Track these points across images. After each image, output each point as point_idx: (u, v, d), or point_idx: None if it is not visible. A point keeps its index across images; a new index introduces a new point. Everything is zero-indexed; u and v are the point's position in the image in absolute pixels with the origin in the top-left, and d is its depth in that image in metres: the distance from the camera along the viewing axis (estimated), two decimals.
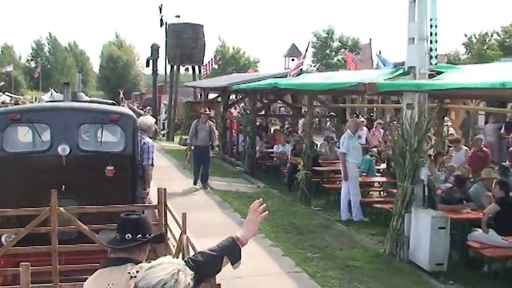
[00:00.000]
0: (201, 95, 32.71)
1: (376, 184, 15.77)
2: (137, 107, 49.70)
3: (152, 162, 9.44)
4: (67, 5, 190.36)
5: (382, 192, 15.82)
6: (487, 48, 47.67)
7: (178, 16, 35.84)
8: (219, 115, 24.43)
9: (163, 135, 34.86)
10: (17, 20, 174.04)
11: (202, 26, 32.43)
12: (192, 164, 17.63)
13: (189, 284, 2.68)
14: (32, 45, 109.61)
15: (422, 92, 9.78)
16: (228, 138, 24.46)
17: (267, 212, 3.79)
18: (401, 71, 10.39)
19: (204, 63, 32.79)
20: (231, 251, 3.51)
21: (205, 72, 32.42)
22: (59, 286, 6.66)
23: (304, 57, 19.63)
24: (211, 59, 32.69)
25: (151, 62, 35.42)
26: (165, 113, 39.13)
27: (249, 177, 19.42)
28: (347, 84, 11.00)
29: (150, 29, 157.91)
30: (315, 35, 63.81)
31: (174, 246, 7.07)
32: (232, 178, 19.23)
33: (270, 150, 21.42)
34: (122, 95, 58.26)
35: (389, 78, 10.10)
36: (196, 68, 33.87)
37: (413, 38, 10.15)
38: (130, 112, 9.06)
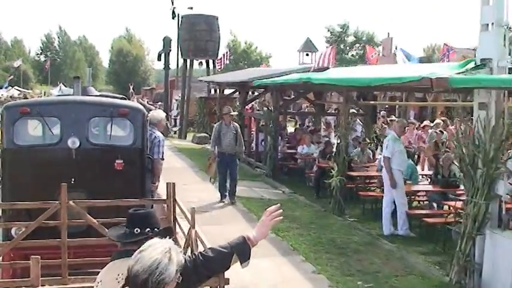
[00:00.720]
0: (215, 91, 31.01)
1: (420, 193, 13.85)
2: (147, 102, 48.27)
3: (163, 156, 9.26)
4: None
5: (423, 202, 14.02)
6: None
7: (191, 8, 34.04)
8: (237, 112, 22.62)
9: (175, 132, 33.09)
10: (27, 14, 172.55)
11: (217, 18, 30.59)
12: (217, 175, 14.45)
13: (181, 261, 2.78)
14: (42, 38, 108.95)
15: (501, 89, 7.95)
16: (246, 137, 22.64)
17: (281, 217, 3.69)
18: (472, 63, 8.50)
19: (219, 57, 30.90)
20: (241, 250, 3.49)
21: (219, 67, 30.57)
22: (68, 279, 6.57)
23: (334, 52, 17.85)
24: (226, 53, 30.83)
25: (163, 55, 33.75)
26: (177, 109, 37.41)
27: (271, 180, 17.63)
28: (406, 79, 9.13)
29: (161, 23, 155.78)
30: (328, 30, 62.01)
31: (182, 240, 6.84)
32: (253, 182, 17.42)
33: (292, 151, 19.64)
34: (131, 90, 56.94)
35: (461, 73, 8.23)
36: (210, 62, 32.01)
37: (488, 24, 8.28)
38: (140, 106, 8.94)
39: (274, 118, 18.32)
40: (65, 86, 54.87)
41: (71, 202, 6.73)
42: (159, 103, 38.95)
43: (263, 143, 20.77)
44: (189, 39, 29.93)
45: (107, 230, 4.99)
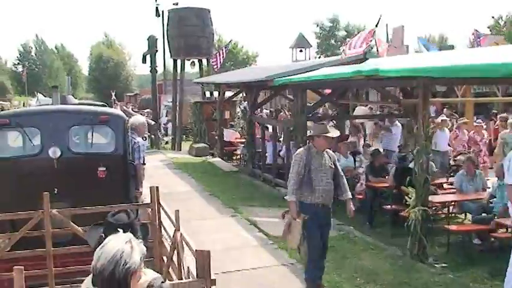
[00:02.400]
0: (211, 94, 26.70)
1: None
2: (132, 109, 43.81)
3: (144, 161, 9.09)
4: (53, 7, 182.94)
5: None
6: None
7: (177, 4, 29.68)
8: (245, 118, 18.46)
9: (166, 142, 28.72)
10: (1, 24, 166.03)
11: (209, 11, 26.29)
12: (305, 246, 7.87)
13: (144, 249, 2.73)
14: (19, 48, 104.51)
15: None
16: (257, 147, 18.50)
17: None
18: None
19: (213, 55, 26.56)
20: None
21: (215, 66, 26.25)
22: None
23: (373, 35, 13.73)
24: (222, 50, 26.50)
25: (148, 57, 29.35)
26: (166, 116, 33.00)
27: None
28: None
29: (142, 25, 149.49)
30: (318, 25, 57.90)
31: (168, 243, 6.57)
32: (281, 208, 13.14)
33: None
34: (114, 97, 52.38)
35: None
36: (204, 61, 27.66)
37: None
38: (120, 112, 9.11)
39: (301, 124, 14.15)
40: (44, 96, 51.58)
41: (54, 211, 6.62)
42: (147, 110, 34.60)
43: (280, 153, 16.67)
44: (178, 36, 25.60)
45: None
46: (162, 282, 3.24)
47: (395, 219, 11.41)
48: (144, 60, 30.50)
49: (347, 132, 20.54)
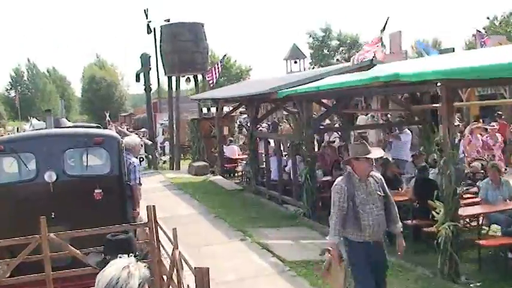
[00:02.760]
0: (208, 109, 25.86)
1: None
2: (127, 129, 42.96)
3: (140, 182, 8.95)
4: (44, 30, 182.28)
5: None
6: None
7: (168, 20, 28.81)
8: (242, 132, 17.62)
9: (164, 162, 27.80)
10: None
11: (202, 25, 25.51)
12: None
13: (145, 274, 2.61)
14: (11, 73, 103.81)
15: None
16: (260, 162, 17.67)
17: None
18: None
19: (208, 71, 25.72)
20: None
21: (211, 82, 25.43)
22: None
23: (381, 39, 12.97)
24: (218, 65, 25.67)
25: (142, 75, 28.54)
26: (163, 134, 32.15)
27: (314, 223, 12.63)
28: None
29: (134, 45, 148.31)
30: (310, 35, 57.25)
31: (168, 262, 6.61)
32: (292, 228, 12.39)
33: (328, 178, 14.69)
34: (108, 118, 51.44)
35: None
36: (199, 77, 26.84)
37: None
38: (114, 133, 9.18)
39: (308, 138, 13.33)
40: (38, 120, 50.74)
41: (51, 235, 6.58)
42: (142, 129, 33.73)
43: (286, 168, 15.83)
44: (172, 52, 24.77)
45: None
46: None
47: (416, 234, 10.60)
48: (137, 79, 29.70)
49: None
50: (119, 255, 3.20)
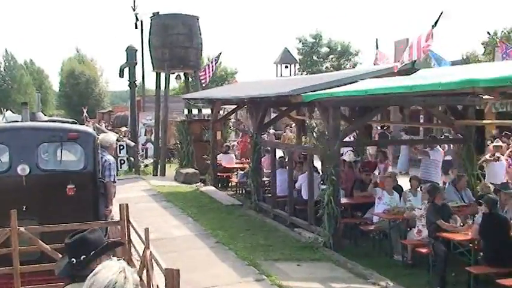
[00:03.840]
0: (199, 111, 23.21)
1: None
2: (106, 127, 40.01)
3: (114, 179, 8.87)
4: (24, 21, 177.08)
5: None
6: None
7: (157, 13, 26.11)
8: (252, 140, 15.08)
9: (146, 165, 24.99)
10: None
11: (198, 19, 22.84)
12: None
13: (137, 279, 2.60)
14: None
15: None
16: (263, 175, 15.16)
17: None
18: None
19: (202, 69, 23.04)
20: None
21: (204, 81, 22.77)
22: None
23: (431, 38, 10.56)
24: (212, 63, 23.03)
25: (126, 70, 25.82)
26: (145, 135, 29.30)
27: (340, 257, 10.15)
28: None
29: (115, 40, 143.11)
30: (300, 41, 54.83)
31: (138, 261, 6.58)
32: (315, 264, 9.88)
33: (350, 201, 12.33)
34: (85, 114, 48.38)
35: None
36: (190, 75, 24.16)
37: None
38: (90, 130, 9.12)
39: (335, 152, 10.85)
40: (13, 112, 47.87)
41: (21, 228, 6.48)
42: (123, 128, 30.94)
43: (296, 185, 13.37)
44: (162, 46, 22.05)
45: (60, 255, 4.68)
46: None
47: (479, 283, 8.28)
48: (121, 74, 26.96)
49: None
50: (81, 256, 3.21)
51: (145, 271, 5.90)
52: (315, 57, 54.84)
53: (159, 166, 22.61)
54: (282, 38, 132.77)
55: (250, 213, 14.37)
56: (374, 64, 28.23)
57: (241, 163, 20.47)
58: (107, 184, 8.61)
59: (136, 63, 25.92)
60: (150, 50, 22.83)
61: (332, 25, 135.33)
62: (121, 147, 22.76)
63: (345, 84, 10.81)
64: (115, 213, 8.52)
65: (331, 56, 55.46)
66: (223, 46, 76.43)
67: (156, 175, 22.61)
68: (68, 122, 10.18)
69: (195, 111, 24.09)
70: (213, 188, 18.05)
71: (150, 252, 5.81)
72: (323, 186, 11.69)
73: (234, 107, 20.34)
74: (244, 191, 17.42)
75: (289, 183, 13.27)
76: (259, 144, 14.96)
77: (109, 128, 39.23)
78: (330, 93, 9.79)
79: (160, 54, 22.22)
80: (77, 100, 75.17)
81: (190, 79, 24.77)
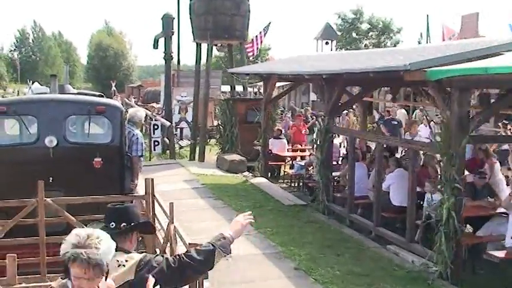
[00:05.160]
0: (244, 88, 20.14)
1: None
2: (135, 103, 37.25)
3: (142, 154, 8.83)
4: None
5: None
6: None
7: None
8: (320, 124, 11.95)
9: (181, 147, 22.04)
10: None
11: None
12: None
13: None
14: (16, 34, 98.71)
15: None
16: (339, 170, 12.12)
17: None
18: None
19: (249, 40, 19.88)
20: (223, 245, 3.35)
21: (252, 53, 19.63)
22: (46, 277, 6.26)
23: None
24: (260, 34, 19.87)
25: (162, 40, 22.85)
26: (179, 113, 26.25)
27: None
28: None
29: (144, 13, 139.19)
30: (339, 16, 51.24)
31: (162, 236, 6.63)
32: None
33: None
34: (114, 88, 45.38)
35: None
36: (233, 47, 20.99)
37: None
38: (118, 103, 8.97)
39: (459, 150, 7.75)
40: (41, 84, 46.24)
41: (48, 200, 6.51)
42: (156, 105, 28.11)
43: (383, 185, 10.33)
44: (206, 13, 18.89)
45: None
46: (156, 255, 3.36)
47: None
48: (155, 45, 24.07)
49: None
50: (121, 223, 3.27)
51: (168, 245, 5.79)
52: (354, 34, 51.18)
53: (197, 150, 19.64)
54: (318, 13, 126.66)
55: (319, 217, 11.38)
56: (443, 40, 24.87)
57: (294, 150, 17.49)
58: (134, 158, 8.48)
59: (173, 33, 22.96)
60: (190, 18, 19.69)
61: (374, 0, 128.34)
62: (155, 126, 19.82)
63: (479, 59, 7.65)
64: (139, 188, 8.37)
65: (371, 33, 51.75)
66: (252, 22, 72.81)
67: (194, 159, 19.66)
68: (95, 96, 9.74)
69: (238, 89, 21.14)
70: (264, 180, 15.06)
71: (174, 226, 5.72)
72: (436, 196, 8.68)
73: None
74: (302, 186, 14.44)
75: (376, 184, 10.21)
76: (332, 132, 11.89)
77: (139, 103, 36.46)
78: (483, 69, 6.64)
79: (202, 22, 19.05)
80: (104, 73, 72.80)
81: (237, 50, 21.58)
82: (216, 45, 19.96)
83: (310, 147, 18.90)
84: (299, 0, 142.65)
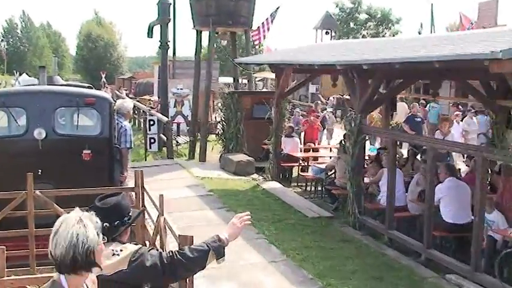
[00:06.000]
0: (248, 81, 18.22)
1: None
2: (126, 95, 35.22)
3: (131, 145, 8.63)
4: None
5: None
6: None
7: None
8: (351, 123, 10.04)
9: (179, 144, 20.09)
10: None
11: None
12: None
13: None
14: (3, 24, 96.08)
15: None
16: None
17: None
18: None
19: (255, 28, 17.87)
20: (217, 247, 3.27)
21: (258, 41, 17.66)
22: (36, 270, 6.27)
23: None
24: (268, 20, 17.90)
25: (158, 28, 20.93)
26: (175, 107, 24.20)
27: None
28: None
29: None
30: (337, 5, 49.16)
31: (151, 228, 6.44)
32: None
33: None
34: (103, 79, 43.17)
35: None
36: (237, 34, 19.03)
37: None
38: (107, 95, 8.92)
39: None
40: (28, 75, 44.37)
41: (37, 192, 6.46)
42: (151, 97, 26.16)
43: (435, 198, 8.52)
44: None
45: None
46: (151, 249, 3.29)
47: None
48: (150, 34, 22.12)
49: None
50: (107, 222, 3.11)
51: (158, 237, 5.73)
52: (351, 25, 49.22)
53: (196, 148, 17.72)
54: (314, 2, 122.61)
55: (351, 233, 9.56)
56: (460, 30, 23.05)
57: (306, 150, 15.63)
58: (123, 150, 8.40)
59: (169, 20, 21.01)
60: (190, 3, 17.71)
61: None
62: (151, 122, 17.91)
63: None
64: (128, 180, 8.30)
65: (369, 24, 49.80)
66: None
67: (193, 158, 17.75)
68: (83, 87, 9.70)
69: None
70: (278, 184, 13.20)
71: (164, 218, 5.62)
72: (493, 215, 6.96)
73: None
74: (320, 191, 12.62)
75: (428, 198, 8.37)
76: (364, 132, 10.02)
77: (130, 95, 34.42)
78: None
79: (204, 8, 17.06)
80: (94, 64, 70.55)
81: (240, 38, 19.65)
82: (217, 33, 17.89)
83: (326, 146, 17.08)
84: None
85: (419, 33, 45.76)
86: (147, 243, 6.49)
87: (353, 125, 9.99)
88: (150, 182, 7.44)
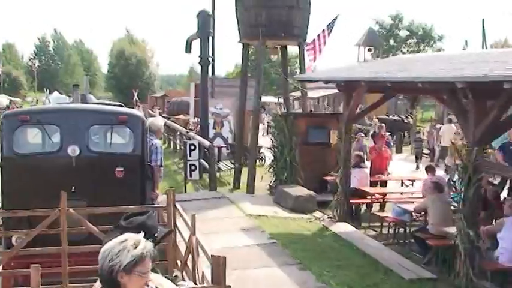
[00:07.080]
0: (303, 95, 15.87)
1: None
2: (160, 114, 33.19)
3: (161, 163, 8.60)
4: (73, 0, 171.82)
5: None
6: None
7: None
8: (470, 163, 7.57)
9: (219, 169, 17.73)
10: (20, 17, 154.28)
11: None
12: None
13: (141, 253, 2.56)
14: (36, 42, 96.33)
15: None
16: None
17: None
18: None
19: (310, 41, 15.55)
20: None
21: (312, 56, 15.35)
22: (68, 287, 6.22)
23: None
24: (324, 33, 15.60)
25: (198, 42, 18.84)
26: (214, 128, 21.95)
27: None
28: None
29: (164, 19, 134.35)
30: (377, 22, 46.78)
31: (183, 247, 6.23)
32: None
33: None
34: (136, 97, 41.60)
35: None
36: (288, 48, 16.75)
37: None
38: (139, 113, 8.78)
39: None
40: (60, 93, 43.16)
41: (70, 209, 6.36)
42: (193, 119, 24.03)
43: None
44: (256, 5, 14.70)
45: None
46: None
47: None
48: (188, 49, 20.07)
49: None
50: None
51: (190, 257, 5.64)
52: (392, 42, 46.70)
53: (241, 176, 15.40)
54: (353, 18, 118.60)
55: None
56: None
57: (372, 182, 13.17)
58: (154, 168, 8.29)
59: (211, 34, 18.89)
60: (236, 13, 15.52)
61: (413, 4, 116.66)
62: (191, 147, 15.56)
63: None
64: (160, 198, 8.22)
65: (409, 41, 47.21)
66: None
67: (238, 188, 15.45)
68: (114, 105, 9.40)
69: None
70: (350, 227, 10.79)
71: (196, 238, 5.50)
72: None
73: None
74: (403, 236, 10.18)
75: None
76: (482, 169, 7.57)
77: (164, 115, 32.43)
78: None
79: (253, 18, 14.84)
80: (126, 82, 69.40)
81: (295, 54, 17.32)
82: (266, 46, 15.64)
83: (398, 178, 14.59)
84: (334, 4, 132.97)
85: (464, 50, 43.17)
86: (179, 262, 6.48)
87: (467, 160, 7.56)
88: (197, 221, 5.79)
